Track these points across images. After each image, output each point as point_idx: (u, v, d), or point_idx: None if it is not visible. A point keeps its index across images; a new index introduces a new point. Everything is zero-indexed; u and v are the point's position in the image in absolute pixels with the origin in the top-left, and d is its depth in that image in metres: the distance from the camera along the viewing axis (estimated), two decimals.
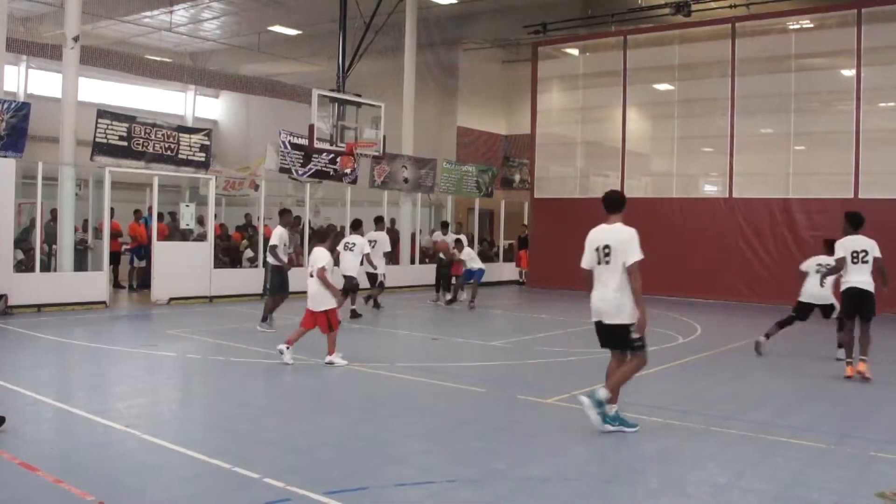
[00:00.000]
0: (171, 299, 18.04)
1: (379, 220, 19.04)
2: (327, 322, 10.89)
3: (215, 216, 20.98)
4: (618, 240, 7.80)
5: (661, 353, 12.51)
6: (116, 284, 20.88)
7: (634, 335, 7.51)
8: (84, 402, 8.42)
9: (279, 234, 14.51)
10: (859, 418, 8.52)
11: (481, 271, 19.15)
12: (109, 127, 17.16)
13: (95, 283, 17.24)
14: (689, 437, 7.53)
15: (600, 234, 7.91)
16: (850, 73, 21.19)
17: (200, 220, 20.81)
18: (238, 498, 5.63)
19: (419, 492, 5.77)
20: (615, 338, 7.66)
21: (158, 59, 32.24)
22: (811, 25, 22.34)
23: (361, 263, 16.98)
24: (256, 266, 20.49)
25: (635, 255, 7.68)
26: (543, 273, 25.89)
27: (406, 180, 24.23)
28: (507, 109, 33.38)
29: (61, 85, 17.28)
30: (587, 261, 7.85)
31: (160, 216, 19.92)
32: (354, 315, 16.46)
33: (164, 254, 18.38)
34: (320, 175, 21.53)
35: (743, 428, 7.82)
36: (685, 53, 23.84)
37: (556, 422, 8.08)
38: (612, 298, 7.57)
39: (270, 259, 14.68)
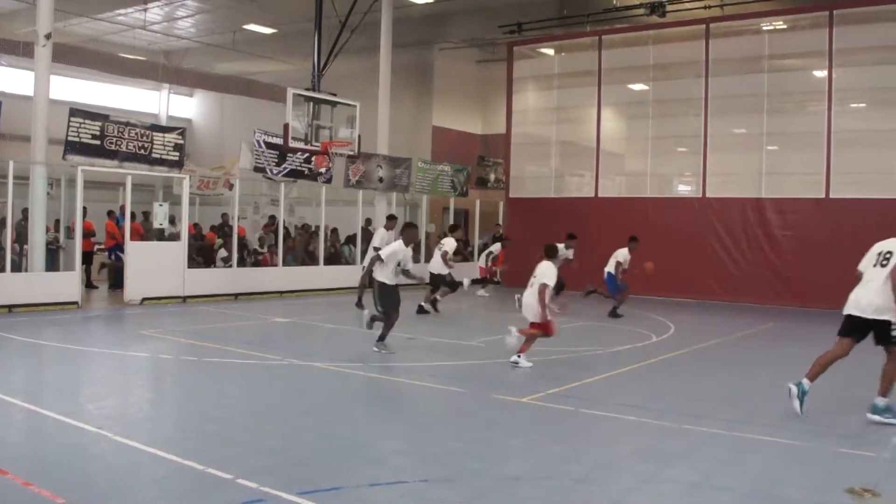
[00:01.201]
0: (144, 299, 17.91)
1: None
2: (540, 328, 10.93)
3: (189, 216, 20.83)
4: None
5: (635, 352, 12.59)
6: (89, 284, 20.71)
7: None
8: (55, 404, 8.34)
9: (398, 247, 12.26)
10: (831, 416, 8.59)
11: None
12: (82, 125, 17.01)
13: (67, 284, 17.07)
14: (663, 436, 7.57)
15: (888, 244, 8.75)
16: (821, 74, 21.38)
17: (173, 220, 20.67)
18: (211, 499, 5.59)
19: (393, 491, 5.76)
20: (878, 332, 8.18)
21: (132, 57, 32.07)
22: (784, 27, 22.52)
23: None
24: (231, 266, 20.40)
25: None
26: (519, 272, 25.88)
27: (381, 180, 24.19)
28: (483, 109, 33.43)
29: (33, 83, 17.08)
30: (863, 265, 8.66)
31: (133, 215, 19.78)
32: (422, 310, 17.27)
33: (137, 253, 18.24)
34: (295, 174, 21.44)
35: (716, 426, 7.87)
36: (660, 54, 23.96)
37: (531, 421, 8.10)
38: (880, 296, 8.12)
39: (383, 276, 12.09)
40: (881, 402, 8.17)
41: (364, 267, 14.71)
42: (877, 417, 8.13)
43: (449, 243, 18.12)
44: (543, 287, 10.76)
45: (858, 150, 20.66)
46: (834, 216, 20.49)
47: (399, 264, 12.08)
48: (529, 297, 10.96)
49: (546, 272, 10.98)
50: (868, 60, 20.98)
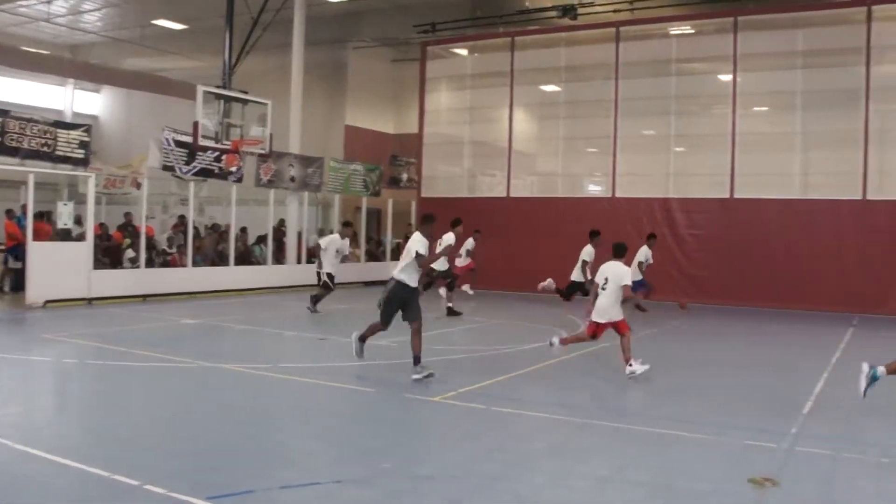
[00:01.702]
0: (47, 302, 17.37)
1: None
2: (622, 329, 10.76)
3: (95, 215, 20.29)
4: None
5: (546, 350, 12.70)
6: None
7: None
8: None
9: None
10: (735, 410, 8.83)
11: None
12: None
13: None
14: (575, 432, 7.68)
15: None
16: (727, 78, 21.99)
17: (79, 220, 20.11)
18: None
19: (305, 493, 5.72)
20: None
21: (35, 50, 31.09)
22: (691, 31, 23.09)
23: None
24: (138, 266, 19.94)
25: None
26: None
27: (293, 179, 23.97)
28: (396, 108, 33.39)
29: None
30: None
31: (41, 215, 19.20)
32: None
33: (39, 254, 17.67)
34: (205, 173, 21.08)
35: (626, 422, 8.02)
36: (571, 56, 24.30)
37: (444, 420, 8.13)
38: None
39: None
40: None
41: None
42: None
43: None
44: (627, 288, 10.62)
45: (760, 153, 21.33)
46: (738, 216, 21.10)
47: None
48: (604, 299, 10.73)
49: (619, 271, 10.84)
50: (769, 65, 21.68)
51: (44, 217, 19.79)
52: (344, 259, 17.60)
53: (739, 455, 6.96)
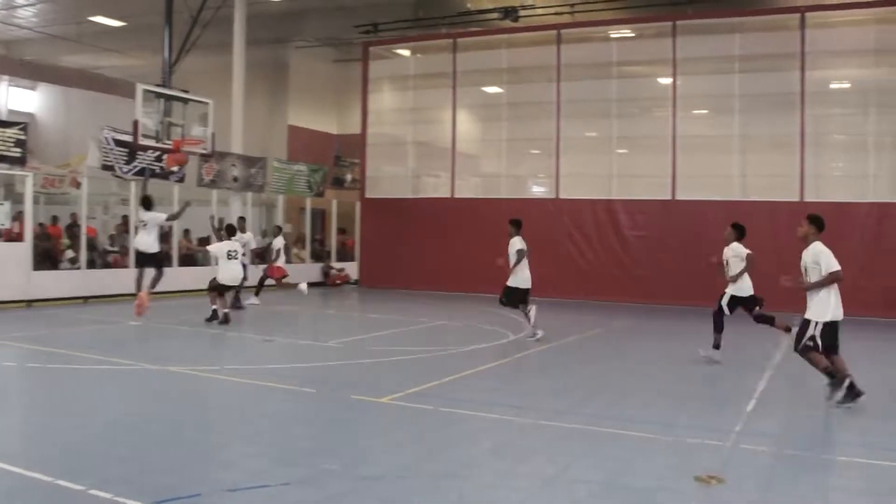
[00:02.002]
0: None
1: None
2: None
3: (34, 215, 19.91)
4: None
5: (492, 350, 12.82)
6: None
7: None
8: None
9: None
10: (680, 407, 9.00)
11: None
12: None
13: None
14: (521, 432, 7.76)
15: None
16: (666, 81, 22.33)
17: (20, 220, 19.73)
18: None
19: (253, 495, 5.71)
20: None
21: None
22: (631, 35, 23.41)
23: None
24: (79, 267, 19.62)
25: None
26: (375, 273, 25.99)
27: (236, 179, 23.79)
28: (339, 109, 33.31)
29: None
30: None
31: None
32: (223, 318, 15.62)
33: None
34: (145, 173, 20.82)
35: (572, 421, 8.11)
36: (513, 58, 24.45)
37: (391, 421, 8.15)
38: None
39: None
40: None
41: None
42: None
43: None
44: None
45: (700, 155, 21.69)
46: (679, 217, 21.44)
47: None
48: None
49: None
50: (708, 69, 22.05)
51: None
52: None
53: (684, 453, 7.09)
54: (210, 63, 25.47)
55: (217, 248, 16.20)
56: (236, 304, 17.49)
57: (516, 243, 14.06)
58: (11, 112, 33.46)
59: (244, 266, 16.85)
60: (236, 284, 16.31)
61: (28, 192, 18.45)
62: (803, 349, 8.92)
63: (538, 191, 24.55)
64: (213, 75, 25.85)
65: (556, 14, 23.63)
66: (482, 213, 23.89)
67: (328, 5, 27.01)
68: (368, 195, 26.57)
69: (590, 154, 23.54)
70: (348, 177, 29.70)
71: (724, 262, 12.24)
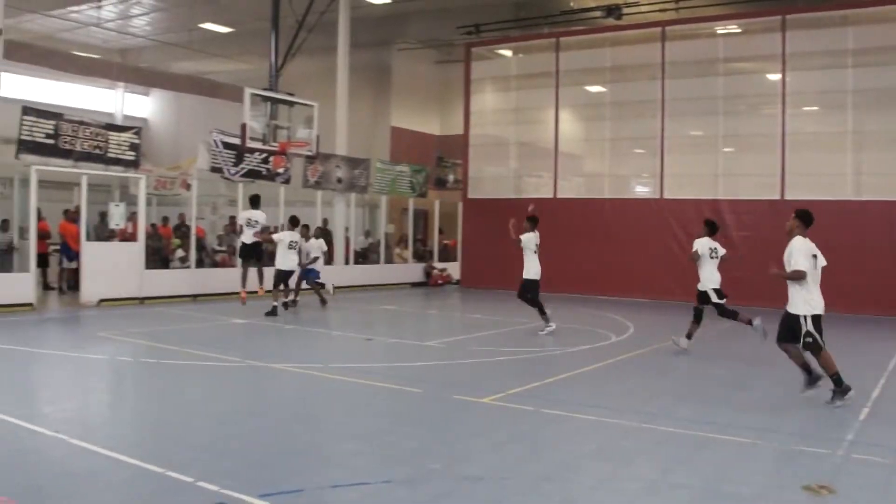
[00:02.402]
0: (101, 301, 17.70)
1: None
2: None
3: (147, 216, 20.60)
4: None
5: (595, 352, 12.69)
6: (46, 286, 20.43)
7: None
8: (10, 408, 8.19)
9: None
10: (785, 413, 8.73)
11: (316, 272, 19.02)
12: (35, 124, 16.74)
13: (22, 285, 16.80)
14: (623, 434, 7.64)
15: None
16: (775, 77, 21.70)
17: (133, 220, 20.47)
18: (172, 502, 5.56)
19: (354, 493, 5.76)
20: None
21: (86, 55, 31.65)
22: (738, 31, 22.82)
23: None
24: (188, 266, 20.24)
25: None
26: (477, 273, 26.02)
27: (340, 180, 24.13)
28: (441, 110, 33.47)
29: None
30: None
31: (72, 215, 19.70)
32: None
33: (93, 254, 18.02)
34: (253, 175, 21.31)
35: (673, 424, 7.96)
36: (616, 56, 24.15)
37: (492, 421, 8.13)
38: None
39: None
40: None
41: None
42: None
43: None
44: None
45: (811, 153, 20.99)
46: (788, 217, 20.74)
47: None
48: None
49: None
50: (819, 64, 21.33)
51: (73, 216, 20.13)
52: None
53: (790, 460, 6.87)
54: (315, 66, 25.91)
55: (280, 236, 17.54)
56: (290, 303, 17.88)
57: (532, 238, 14.82)
58: (126, 117, 34.86)
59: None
60: (292, 270, 17.57)
61: (141, 193, 19.11)
62: (809, 347, 9.08)
63: (641, 191, 24.18)
64: (318, 78, 26.29)
65: (660, 11, 23.24)
66: (585, 214, 23.68)
67: (430, 7, 27.16)
68: (471, 195, 26.62)
69: (695, 153, 23.07)
70: (450, 177, 29.82)
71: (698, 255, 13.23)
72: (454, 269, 27.27)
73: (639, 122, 23.78)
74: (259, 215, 17.45)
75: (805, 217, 9.88)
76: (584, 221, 23.52)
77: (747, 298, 20.85)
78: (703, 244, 13.17)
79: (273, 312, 16.61)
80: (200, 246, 21.15)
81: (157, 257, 21.17)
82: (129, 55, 34.47)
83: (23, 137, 16.56)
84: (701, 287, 13.19)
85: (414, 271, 26.09)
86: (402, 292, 22.63)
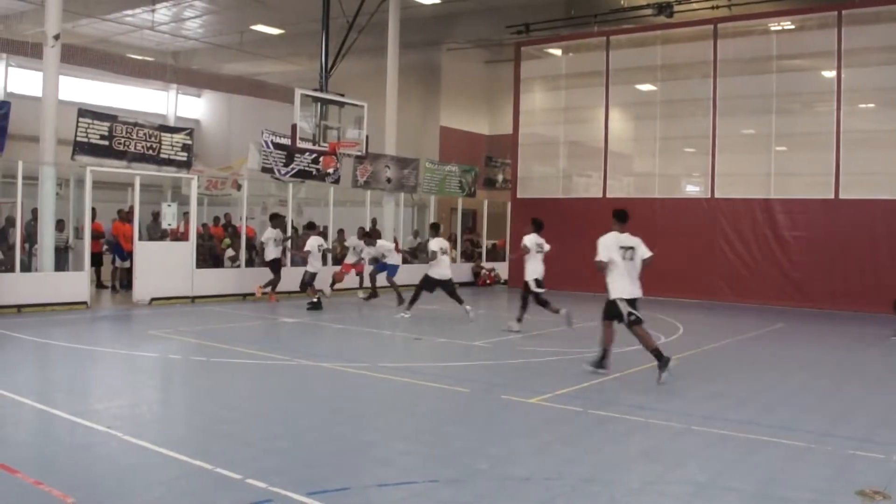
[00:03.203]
0: (153, 299, 17.97)
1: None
2: None
3: (197, 216, 20.88)
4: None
5: (643, 353, 12.54)
6: (100, 285, 20.79)
7: None
8: (64, 404, 8.37)
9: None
10: (839, 417, 8.58)
11: (393, 267, 19.44)
12: (90, 126, 17.05)
13: (76, 284, 17.13)
14: (671, 437, 7.56)
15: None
16: (830, 74, 21.33)
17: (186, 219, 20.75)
18: (220, 499, 5.62)
19: (401, 492, 5.77)
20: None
21: (140, 57, 32.15)
22: (792, 27, 22.46)
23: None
24: (238, 266, 20.46)
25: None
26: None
27: (389, 180, 24.22)
28: (490, 109, 33.44)
29: (42, 84, 17.16)
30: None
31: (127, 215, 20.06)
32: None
33: (145, 254, 18.31)
34: (303, 175, 21.48)
35: (724, 427, 7.86)
36: (667, 54, 23.94)
37: (539, 422, 8.10)
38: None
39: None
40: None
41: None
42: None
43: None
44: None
45: (867, 151, 20.60)
46: (843, 217, 20.45)
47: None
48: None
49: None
50: (876, 61, 20.95)
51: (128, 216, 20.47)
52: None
53: (844, 464, 6.74)
54: (365, 67, 26.02)
55: (310, 242, 18.58)
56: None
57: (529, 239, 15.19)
58: (179, 118, 35.34)
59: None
60: (316, 272, 18.44)
61: (193, 193, 19.37)
62: (631, 322, 10.15)
63: (692, 190, 23.93)
64: (368, 79, 26.40)
65: (712, 8, 22.95)
66: (634, 213, 23.33)
67: (480, 7, 27.14)
68: (519, 195, 26.55)
69: (746, 152, 22.77)
70: (499, 177, 29.80)
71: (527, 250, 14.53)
72: (502, 269, 27.22)
73: (689, 121, 23.54)
74: (279, 234, 19.32)
75: (616, 215, 11.02)
76: (633, 221, 23.09)
77: (805, 299, 20.62)
78: (531, 240, 14.60)
79: (317, 306, 17.65)
80: (251, 245, 21.36)
81: (208, 256, 21.41)
82: (182, 57, 34.93)
83: (78, 139, 16.87)
84: (526, 277, 14.65)
85: (462, 271, 26.08)
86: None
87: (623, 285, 10.29)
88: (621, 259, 10.34)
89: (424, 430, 7.74)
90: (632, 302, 10.28)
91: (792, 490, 6.02)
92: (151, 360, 11.30)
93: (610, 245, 10.44)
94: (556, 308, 14.41)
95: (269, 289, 19.37)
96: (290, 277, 19.70)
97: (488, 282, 26.56)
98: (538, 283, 14.63)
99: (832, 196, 20.73)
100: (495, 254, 28.65)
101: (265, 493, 5.61)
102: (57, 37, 16.98)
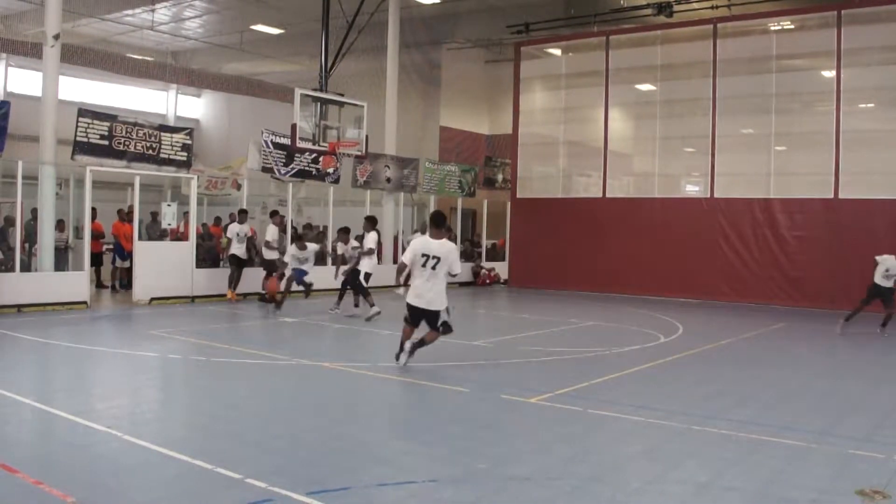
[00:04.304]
0: (153, 299, 17.96)
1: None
2: None
3: (197, 216, 20.87)
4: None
5: (643, 352, 12.58)
6: (100, 284, 20.79)
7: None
8: (64, 403, 8.36)
9: None
10: (839, 416, 8.58)
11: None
12: (90, 126, 17.04)
13: (76, 283, 17.12)
14: (672, 436, 7.56)
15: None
16: (830, 74, 21.34)
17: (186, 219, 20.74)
18: (221, 498, 5.61)
19: (401, 492, 5.77)
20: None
21: (140, 57, 32.10)
22: (792, 27, 22.47)
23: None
24: None
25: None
26: (525, 273, 25.95)
27: (389, 180, 24.22)
28: (490, 109, 33.41)
29: (42, 83, 17.15)
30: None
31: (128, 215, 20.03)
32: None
33: (145, 254, 18.30)
34: (303, 174, 21.48)
35: (724, 427, 7.86)
36: (667, 54, 23.94)
37: (540, 421, 8.10)
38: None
39: None
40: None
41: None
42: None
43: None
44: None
45: (867, 151, 20.62)
46: (842, 216, 20.47)
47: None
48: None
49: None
50: (876, 60, 20.95)
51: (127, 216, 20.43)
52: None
53: (844, 464, 6.74)
54: (364, 67, 25.99)
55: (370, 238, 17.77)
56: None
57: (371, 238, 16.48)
58: (179, 118, 35.31)
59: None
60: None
61: (193, 193, 19.36)
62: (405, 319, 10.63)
63: (692, 190, 23.94)
64: (368, 78, 26.37)
65: (712, 8, 22.94)
66: (634, 213, 23.51)
67: (480, 7, 27.12)
68: (519, 195, 26.54)
69: (746, 152, 22.78)
70: (499, 177, 29.78)
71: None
72: (502, 269, 27.21)
73: (689, 121, 23.54)
74: (243, 229, 18.80)
75: (432, 219, 10.80)
76: (633, 221, 23.36)
77: (805, 298, 20.61)
78: (372, 238, 16.04)
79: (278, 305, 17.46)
80: (251, 245, 21.33)
81: (208, 256, 21.40)
82: (182, 57, 34.88)
83: (78, 139, 16.86)
84: (360, 268, 15.85)
85: (462, 270, 26.06)
86: (450, 292, 22.39)
87: (414, 290, 10.44)
88: (420, 266, 10.29)
89: (424, 429, 7.74)
90: (416, 309, 10.42)
91: (792, 489, 6.02)
92: (151, 360, 11.28)
93: (416, 249, 10.37)
94: (372, 301, 15.52)
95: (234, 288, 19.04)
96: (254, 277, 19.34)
97: (488, 281, 26.54)
98: (367, 276, 16.09)
99: (832, 196, 20.74)
100: (495, 253, 28.65)
101: (265, 492, 5.60)
102: (57, 36, 16.97)
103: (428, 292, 10.33)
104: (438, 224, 10.54)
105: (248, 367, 10.84)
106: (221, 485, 5.82)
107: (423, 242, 10.42)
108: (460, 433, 7.53)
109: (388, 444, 7.20)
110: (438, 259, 10.23)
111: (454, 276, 10.55)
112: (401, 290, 16.71)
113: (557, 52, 27.15)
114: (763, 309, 20.24)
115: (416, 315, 10.50)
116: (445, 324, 10.57)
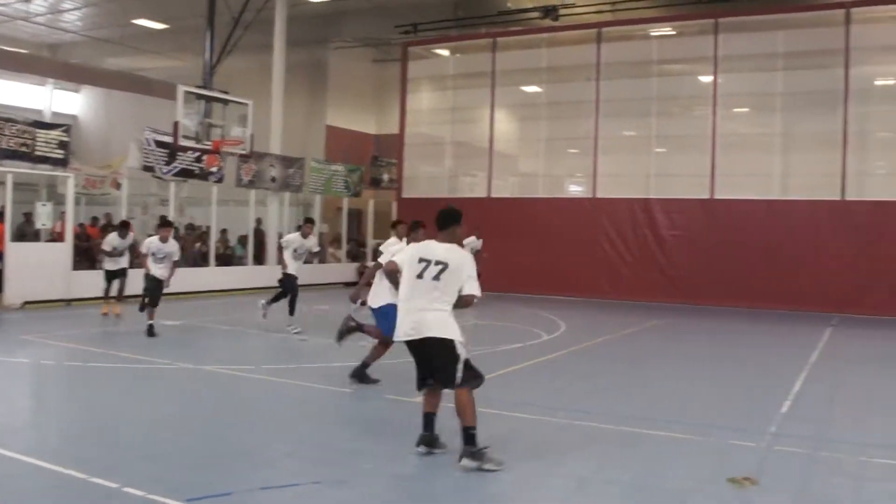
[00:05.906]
0: (26, 303, 17.25)
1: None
2: None
3: (75, 216, 20.14)
4: None
5: (526, 350, 12.74)
6: None
7: None
8: None
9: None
10: (713, 409, 8.88)
11: None
12: None
13: None
14: (555, 432, 7.69)
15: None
16: (707, 79, 22.10)
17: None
18: None
19: (285, 494, 5.71)
20: None
21: (13, 49, 30.87)
22: (672, 33, 23.17)
23: None
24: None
25: None
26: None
27: (274, 179, 23.92)
28: (377, 109, 33.36)
29: None
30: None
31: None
32: None
33: (16, 255, 17.55)
34: (185, 174, 21.03)
35: (605, 421, 8.03)
36: (553, 57, 24.33)
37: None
38: None
39: None
40: None
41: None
42: None
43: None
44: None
45: (741, 153, 21.44)
46: (718, 217, 21.20)
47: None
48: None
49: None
50: (750, 67, 21.77)
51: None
52: (309, 259, 16.49)
53: (718, 454, 7.00)
54: (250, 64, 25.65)
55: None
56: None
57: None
58: (55, 114, 34.04)
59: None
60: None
61: (69, 192, 18.68)
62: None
63: (576, 190, 24.42)
64: (253, 76, 26.04)
65: (596, 13, 23.47)
66: (519, 213, 23.81)
67: (367, 6, 27.09)
68: (405, 195, 26.55)
69: (628, 153, 23.38)
70: (385, 177, 29.75)
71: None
72: None
73: (573, 123, 23.99)
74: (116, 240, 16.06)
75: (437, 217, 7.41)
76: (518, 221, 23.64)
77: (683, 296, 21.26)
78: (295, 240, 15.42)
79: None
80: (130, 247, 20.73)
81: (86, 258, 20.69)
82: (60, 51, 33.75)
83: None
84: (284, 271, 15.15)
85: (347, 271, 25.95)
86: (335, 292, 22.47)
87: (401, 314, 7.07)
88: (415, 277, 7.21)
89: (309, 431, 7.68)
90: (415, 349, 8.59)
91: (671, 480, 6.24)
92: (22, 367, 10.85)
93: (411, 252, 8.42)
94: (271, 301, 15.04)
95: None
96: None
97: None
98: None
99: (708, 196, 21.46)
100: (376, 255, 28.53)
101: (143, 501, 5.45)
102: None
103: (425, 312, 6.82)
104: (444, 225, 7.31)
105: (127, 372, 10.53)
106: (97, 495, 5.63)
107: (423, 244, 7.34)
108: (345, 434, 7.50)
109: (272, 447, 7.10)
110: (444, 266, 6.89)
111: (469, 301, 7.00)
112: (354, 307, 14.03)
113: (445, 52, 27.31)
114: (643, 306, 20.77)
115: (419, 360, 7.07)
116: (469, 368, 6.77)
